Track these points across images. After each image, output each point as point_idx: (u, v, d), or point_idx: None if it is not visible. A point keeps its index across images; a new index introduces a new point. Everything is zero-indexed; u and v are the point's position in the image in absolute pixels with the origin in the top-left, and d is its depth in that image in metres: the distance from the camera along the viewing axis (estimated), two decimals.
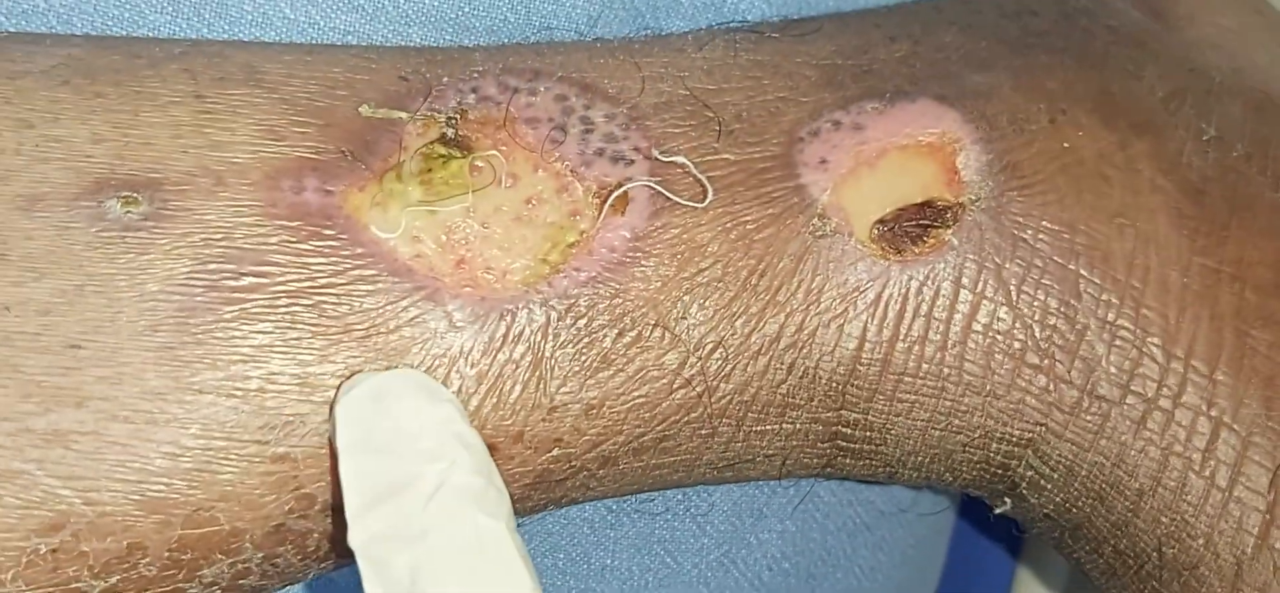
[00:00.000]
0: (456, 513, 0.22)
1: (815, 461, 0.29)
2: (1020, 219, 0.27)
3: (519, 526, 0.34)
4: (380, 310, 0.25)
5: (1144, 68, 0.30)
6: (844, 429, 0.28)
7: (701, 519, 0.36)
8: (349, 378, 0.24)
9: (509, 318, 0.25)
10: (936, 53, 0.29)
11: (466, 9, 0.31)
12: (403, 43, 0.31)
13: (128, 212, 0.24)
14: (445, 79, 0.27)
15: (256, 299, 0.24)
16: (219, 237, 0.24)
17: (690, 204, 0.26)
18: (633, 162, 0.27)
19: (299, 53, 0.27)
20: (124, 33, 0.29)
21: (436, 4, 0.31)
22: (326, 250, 0.25)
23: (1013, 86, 0.28)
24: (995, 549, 0.42)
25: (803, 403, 0.27)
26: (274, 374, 0.24)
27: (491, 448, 0.26)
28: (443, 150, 0.26)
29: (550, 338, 0.26)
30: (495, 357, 0.25)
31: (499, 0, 0.31)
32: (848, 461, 0.29)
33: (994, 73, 0.29)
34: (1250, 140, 0.29)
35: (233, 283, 0.24)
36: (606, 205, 0.26)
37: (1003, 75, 0.29)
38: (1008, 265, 0.27)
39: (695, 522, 0.36)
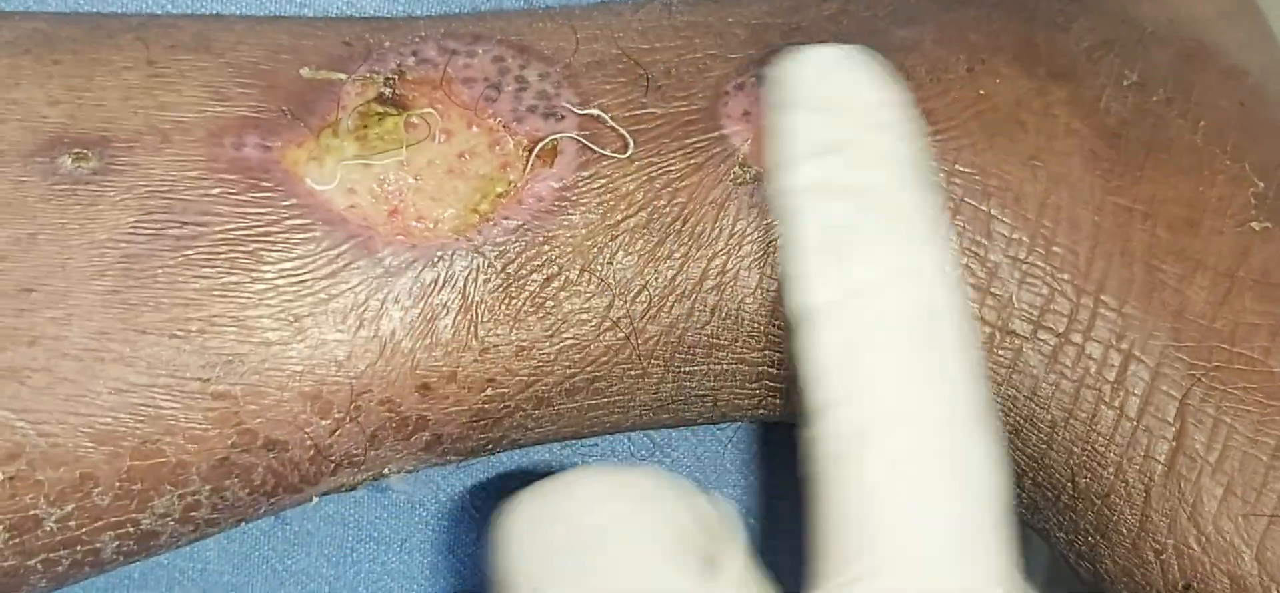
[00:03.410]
0: (891, 178, 0.24)
1: (747, 401, 0.30)
2: (933, 163, 0.28)
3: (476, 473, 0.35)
4: (315, 257, 0.26)
5: (1074, 19, 0.30)
6: (769, 370, 0.29)
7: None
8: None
9: (439, 264, 0.27)
10: (866, 11, 0.30)
11: None
12: (355, 13, 0.32)
13: (78, 167, 0.26)
14: (387, 44, 0.29)
15: (198, 247, 0.26)
16: (164, 189, 0.26)
17: (615, 155, 0.28)
18: (563, 117, 0.28)
19: (249, 23, 0.29)
20: (94, 10, 0.31)
21: None
22: (264, 201, 0.26)
23: (935, 39, 0.29)
24: None
25: (727, 343, 0.28)
26: (214, 317, 0.26)
27: (425, 387, 0.27)
28: (379, 108, 0.28)
29: (479, 283, 0.27)
30: (427, 300, 0.27)
31: None
32: (777, 400, 0.29)
33: (919, 27, 0.30)
34: (1174, 85, 0.29)
35: (176, 232, 0.26)
36: (532, 156, 0.27)
37: (927, 29, 0.29)
38: None
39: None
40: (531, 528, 0.25)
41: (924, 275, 0.24)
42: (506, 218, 0.27)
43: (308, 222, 0.26)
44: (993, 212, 0.27)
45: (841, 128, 0.25)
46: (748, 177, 0.28)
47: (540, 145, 0.28)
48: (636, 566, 0.24)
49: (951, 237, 0.27)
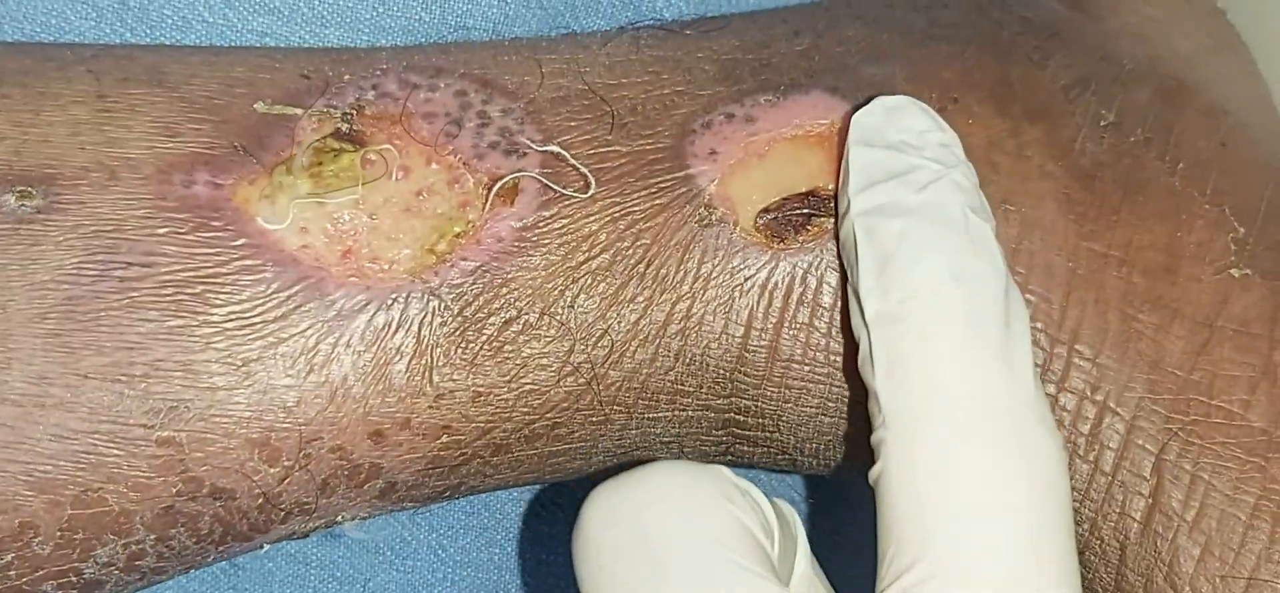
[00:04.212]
0: (950, 199, 0.25)
1: (713, 449, 0.29)
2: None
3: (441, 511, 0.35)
4: (264, 299, 0.25)
5: (1051, 57, 0.30)
6: (737, 417, 0.28)
7: None
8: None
9: (394, 307, 0.26)
10: (837, 47, 0.30)
11: (381, 9, 0.32)
12: (318, 43, 0.32)
13: (22, 205, 0.25)
14: (347, 77, 0.28)
15: (143, 288, 0.25)
16: (109, 228, 0.25)
17: (576, 194, 0.27)
18: (525, 154, 0.27)
19: (206, 55, 0.28)
20: (50, 38, 0.31)
21: (351, 5, 0.32)
22: (213, 241, 0.25)
23: (907, 77, 0.28)
24: None
25: (692, 390, 0.27)
26: (159, 361, 0.25)
27: (378, 434, 0.26)
28: (335, 144, 0.27)
29: (435, 326, 0.26)
30: (380, 345, 0.26)
31: (413, 0, 0.32)
32: (746, 448, 0.29)
33: (890, 63, 0.29)
34: (1152, 125, 0.29)
35: (121, 273, 0.25)
36: (491, 195, 0.27)
37: (898, 66, 0.29)
38: None
39: None
40: (602, 529, 0.24)
41: (976, 279, 0.24)
42: (464, 259, 0.26)
43: (258, 262, 0.25)
44: None
45: (903, 159, 0.26)
46: (713, 218, 0.27)
47: (500, 184, 0.27)
48: (705, 570, 0.23)
49: None
